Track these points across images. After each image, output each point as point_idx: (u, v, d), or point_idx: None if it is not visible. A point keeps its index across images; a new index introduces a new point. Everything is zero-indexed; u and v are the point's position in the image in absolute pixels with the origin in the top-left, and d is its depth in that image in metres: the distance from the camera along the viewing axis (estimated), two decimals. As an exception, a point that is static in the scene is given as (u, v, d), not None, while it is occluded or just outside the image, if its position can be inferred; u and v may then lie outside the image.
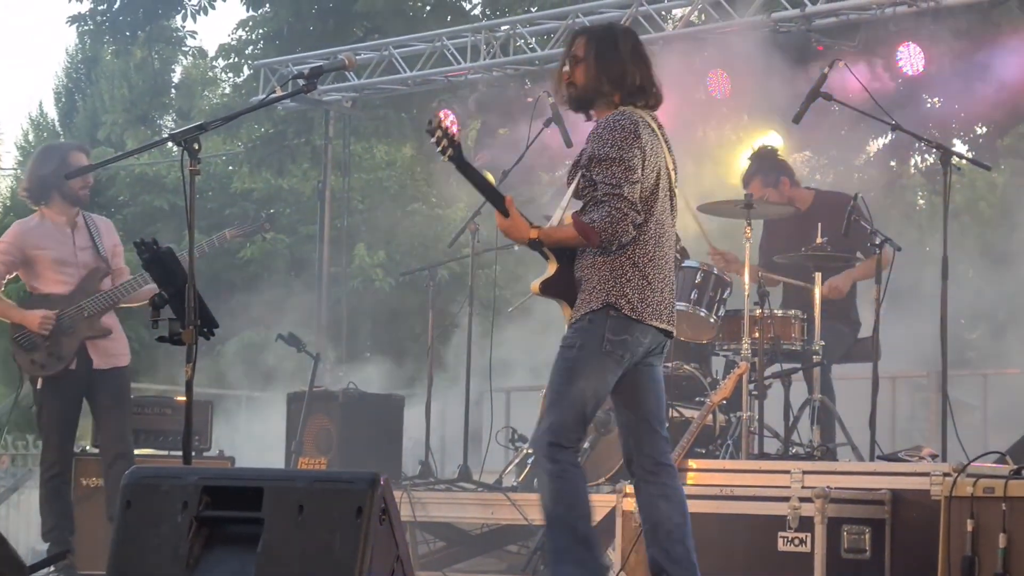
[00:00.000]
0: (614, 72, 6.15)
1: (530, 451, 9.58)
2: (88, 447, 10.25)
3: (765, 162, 9.78)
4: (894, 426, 11.21)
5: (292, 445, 10.66)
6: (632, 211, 5.95)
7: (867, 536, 6.76)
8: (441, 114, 5.56)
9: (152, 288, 8.59)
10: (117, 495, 4.76)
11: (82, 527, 8.96)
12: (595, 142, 6.04)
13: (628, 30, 6.50)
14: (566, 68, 6.20)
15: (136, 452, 9.51)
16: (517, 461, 9.78)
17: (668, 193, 6.18)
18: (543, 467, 5.99)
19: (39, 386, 8.62)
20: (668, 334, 6.15)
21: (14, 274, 8.82)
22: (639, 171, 5.99)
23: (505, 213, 6.04)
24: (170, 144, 5.82)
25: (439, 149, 5.97)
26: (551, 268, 6.16)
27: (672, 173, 6.23)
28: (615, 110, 6.12)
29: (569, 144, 10.71)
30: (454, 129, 5.89)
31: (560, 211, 6.15)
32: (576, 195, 6.13)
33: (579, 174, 6.11)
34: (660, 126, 6.20)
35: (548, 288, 6.18)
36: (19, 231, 8.86)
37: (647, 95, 6.21)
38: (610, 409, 8.53)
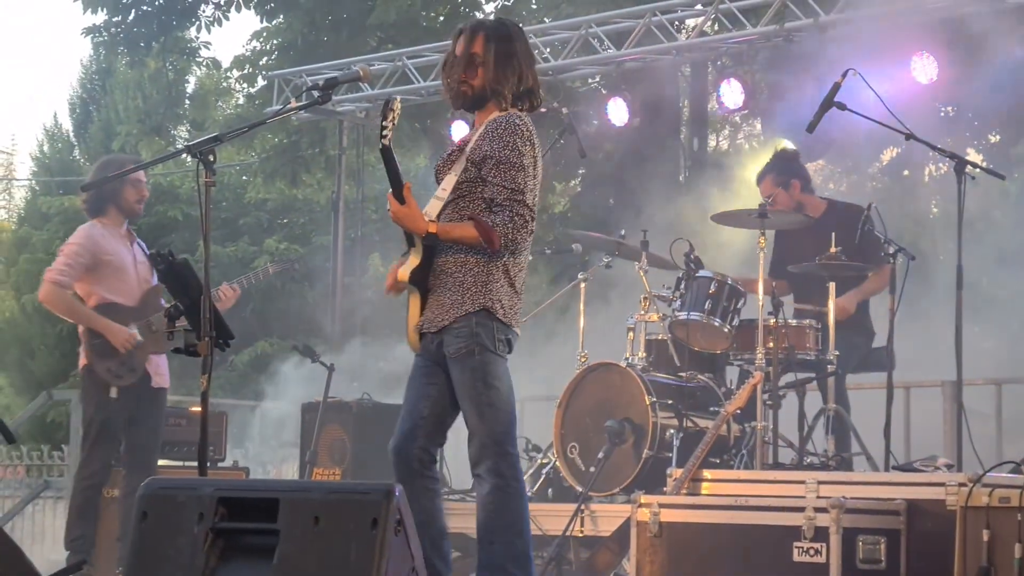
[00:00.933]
0: (513, 75, 6.13)
1: (544, 461, 9.59)
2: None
3: (781, 162, 9.81)
4: (908, 436, 11.17)
5: (306, 456, 10.67)
6: (531, 219, 6.01)
7: (882, 546, 6.74)
8: (399, 101, 5.58)
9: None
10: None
11: (97, 538, 8.98)
12: (494, 143, 5.99)
13: (519, 28, 6.41)
14: (461, 67, 6.12)
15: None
16: (532, 471, 9.77)
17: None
18: (488, 482, 5.94)
19: (113, 395, 8.66)
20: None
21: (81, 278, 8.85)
22: (534, 178, 6.04)
23: (401, 200, 5.94)
24: (185, 155, 5.83)
25: (386, 132, 5.88)
26: (416, 258, 6.08)
27: None
28: (504, 111, 6.10)
29: (583, 154, 10.73)
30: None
31: (438, 203, 6.08)
32: (455, 189, 6.07)
33: (463, 168, 6.05)
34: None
35: (414, 278, 6.11)
36: (89, 234, 8.86)
37: (534, 97, 6.23)
38: (623, 420, 8.60)
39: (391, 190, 5.96)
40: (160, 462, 10.05)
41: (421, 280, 6.11)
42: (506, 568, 5.94)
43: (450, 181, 6.08)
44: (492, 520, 5.97)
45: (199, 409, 5.76)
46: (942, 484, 6.76)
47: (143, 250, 8.86)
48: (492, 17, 16.49)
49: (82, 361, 8.78)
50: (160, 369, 8.81)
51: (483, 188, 6.03)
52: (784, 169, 9.62)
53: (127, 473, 8.86)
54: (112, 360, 8.62)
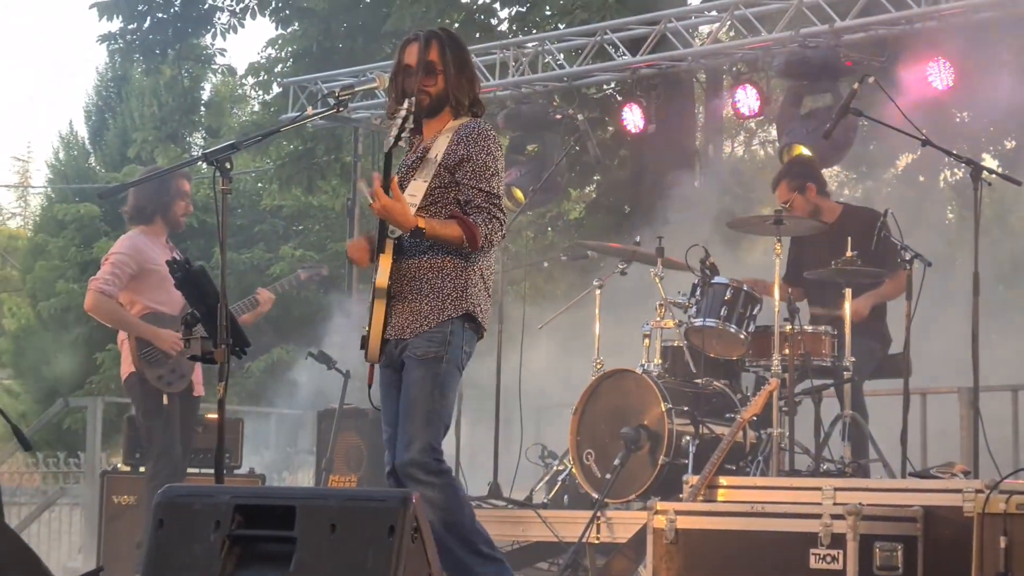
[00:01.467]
0: (468, 82, 6.23)
1: (560, 468, 9.59)
2: (120, 465, 10.28)
3: (796, 166, 9.82)
4: (925, 442, 11.15)
5: (323, 463, 10.68)
6: (506, 221, 6.07)
7: (899, 553, 6.72)
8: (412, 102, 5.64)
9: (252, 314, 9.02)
10: None
11: (114, 545, 9.00)
12: (471, 148, 6.04)
13: (461, 37, 6.49)
14: (420, 74, 6.13)
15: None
16: (548, 478, 9.77)
17: None
18: (431, 483, 5.91)
19: (166, 402, 8.76)
20: None
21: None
22: (502, 184, 6.12)
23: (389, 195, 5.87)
24: (201, 162, 5.84)
25: (399, 133, 5.87)
26: (387, 265, 6.01)
27: None
28: (464, 119, 6.16)
29: (599, 160, 10.74)
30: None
31: (411, 208, 6.00)
32: (428, 195, 6.04)
33: (434, 173, 6.04)
34: None
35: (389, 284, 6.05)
36: (134, 244, 8.93)
37: (482, 106, 6.33)
38: (639, 426, 8.59)
39: (375, 184, 5.89)
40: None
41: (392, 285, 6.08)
42: (474, 569, 5.98)
43: (419, 187, 6.07)
44: (453, 515, 5.96)
45: (215, 416, 5.77)
46: (959, 491, 6.75)
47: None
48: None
49: (128, 369, 8.82)
50: (200, 378, 8.96)
51: (456, 192, 6.07)
52: (799, 173, 9.62)
53: (157, 480, 8.81)
54: (163, 368, 8.73)
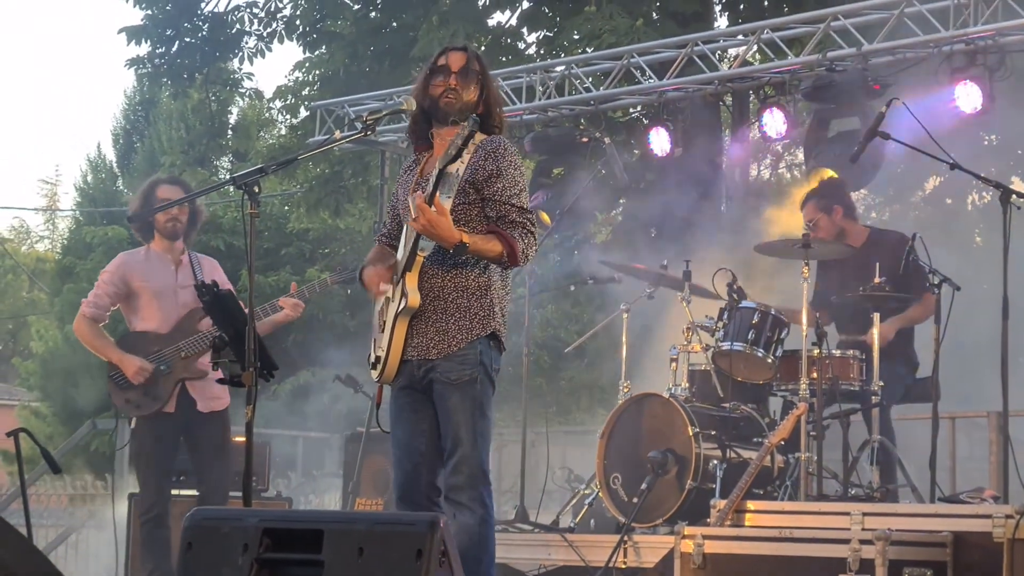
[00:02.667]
0: (493, 97, 6.25)
1: (587, 491, 9.57)
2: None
3: (826, 187, 9.81)
4: (954, 467, 11.11)
5: (349, 486, 10.67)
6: (539, 237, 6.11)
7: (928, 578, 6.70)
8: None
9: (269, 323, 8.67)
10: None
11: (141, 568, 8.98)
12: (500, 162, 6.03)
13: None
14: (459, 77, 6.12)
15: (195, 493, 9.52)
16: (574, 502, 9.76)
17: None
18: (474, 511, 5.90)
19: (132, 425, 8.56)
20: None
21: (117, 306, 8.71)
22: None
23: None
24: (229, 186, 5.84)
25: (460, 148, 5.81)
26: (415, 283, 5.95)
27: None
28: (482, 136, 6.09)
29: (625, 184, 10.72)
30: None
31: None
32: (452, 212, 5.93)
33: (458, 190, 5.96)
34: None
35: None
36: (123, 261, 8.79)
37: (505, 126, 6.36)
38: (667, 450, 8.57)
39: (417, 200, 5.83)
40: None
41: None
42: None
43: (443, 199, 5.94)
44: (478, 550, 5.92)
45: (243, 439, 5.77)
46: (989, 516, 6.72)
47: (196, 272, 8.62)
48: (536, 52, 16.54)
49: None
50: (209, 393, 8.54)
51: (484, 207, 6.03)
52: (827, 195, 9.61)
53: (199, 502, 8.67)
54: (132, 391, 8.46)
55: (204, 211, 9.05)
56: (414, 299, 5.94)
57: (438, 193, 5.83)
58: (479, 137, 6.07)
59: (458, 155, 5.82)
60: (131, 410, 8.53)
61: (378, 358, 6.07)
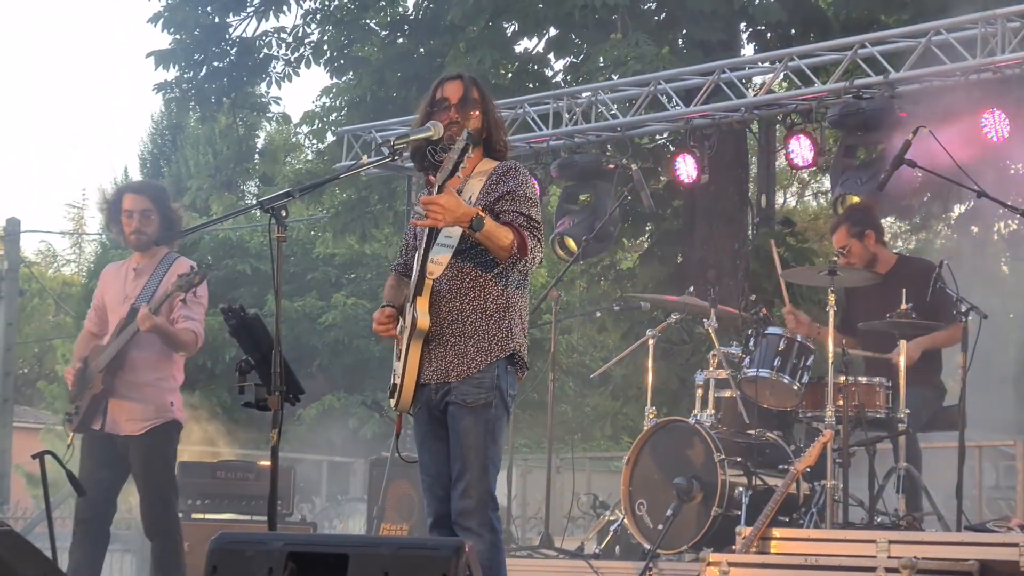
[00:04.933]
0: (494, 121, 6.24)
1: (613, 518, 9.55)
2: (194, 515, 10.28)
3: (857, 212, 9.80)
4: (981, 496, 11.07)
5: (374, 511, 10.67)
6: (542, 248, 6.05)
7: (955, 607, 6.67)
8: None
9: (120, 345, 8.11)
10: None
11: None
12: (511, 182, 6.04)
13: None
14: (460, 106, 6.12)
15: (219, 516, 9.51)
16: (599, 528, 9.74)
17: None
18: (482, 536, 5.86)
19: (69, 440, 8.22)
20: None
21: (107, 319, 8.42)
22: None
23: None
24: (256, 210, 5.84)
25: (456, 165, 5.84)
26: (425, 307, 5.94)
27: None
28: (495, 162, 6.15)
29: (652, 210, 10.72)
30: None
31: (446, 250, 6.00)
32: (465, 237, 5.95)
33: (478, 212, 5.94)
34: None
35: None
36: (102, 274, 8.69)
37: (508, 150, 6.35)
38: (692, 477, 8.56)
39: (422, 200, 5.87)
40: (227, 516, 10.07)
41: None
42: None
43: (454, 230, 5.98)
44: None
45: (268, 463, 5.75)
46: (1016, 545, 6.70)
47: (152, 282, 8.22)
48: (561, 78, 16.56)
49: None
50: (132, 413, 8.12)
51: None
52: (860, 220, 9.59)
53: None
54: (72, 404, 8.25)
55: (182, 214, 8.67)
56: (423, 322, 5.94)
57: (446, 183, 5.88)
58: (490, 164, 6.13)
59: (455, 170, 5.85)
60: (66, 426, 8.31)
61: (394, 385, 6.08)
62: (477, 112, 6.16)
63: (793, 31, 15.43)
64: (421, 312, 5.94)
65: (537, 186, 6.19)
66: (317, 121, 19.27)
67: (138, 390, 8.15)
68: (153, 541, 8.15)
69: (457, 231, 5.97)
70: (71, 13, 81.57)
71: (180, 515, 9.19)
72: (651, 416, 9.30)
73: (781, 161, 16.85)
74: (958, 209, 18.16)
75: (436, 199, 5.78)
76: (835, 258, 9.17)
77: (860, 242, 9.41)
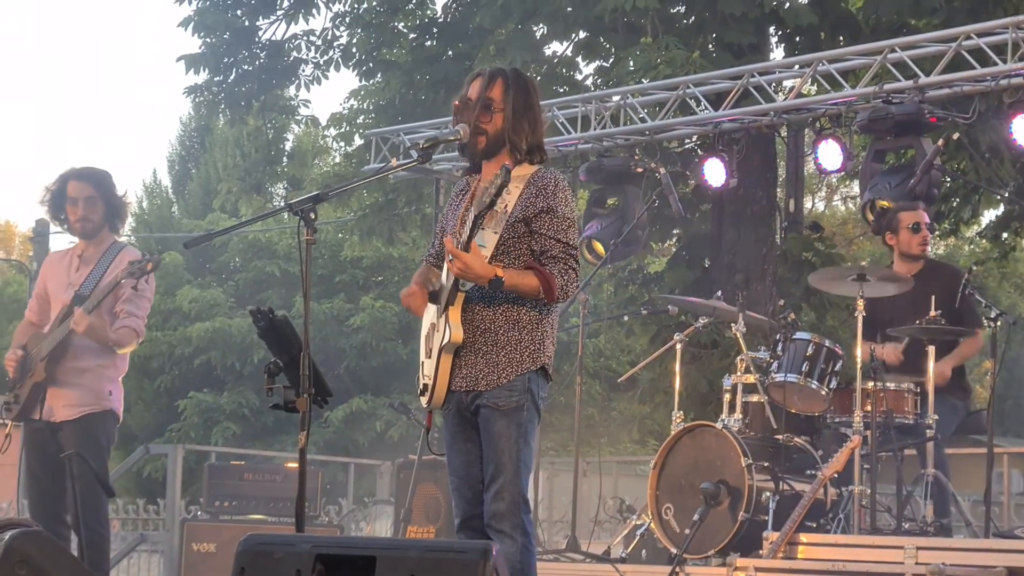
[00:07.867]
0: (529, 126, 6.07)
1: (639, 522, 9.55)
2: (200, 512, 10.31)
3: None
4: (1008, 502, 11.04)
5: (401, 514, 10.68)
6: (580, 273, 5.99)
7: (983, 614, 6.65)
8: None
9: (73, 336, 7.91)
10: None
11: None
12: (550, 199, 5.94)
13: (534, 81, 6.31)
14: (477, 110, 6.01)
15: (247, 517, 9.51)
16: (626, 532, 9.73)
17: None
18: (515, 539, 5.85)
19: (7, 432, 8.03)
20: None
21: (48, 307, 8.22)
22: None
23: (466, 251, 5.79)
24: (285, 212, 5.83)
25: (495, 197, 5.72)
26: (458, 318, 5.91)
27: None
28: (533, 167, 6.03)
29: (681, 214, 10.70)
30: None
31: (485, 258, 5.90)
32: (499, 246, 5.91)
33: (506, 225, 5.89)
34: None
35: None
36: (44, 262, 8.51)
37: (544, 152, 6.18)
38: (719, 482, 8.55)
39: (447, 244, 5.82)
40: (256, 517, 10.09)
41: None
42: None
43: (489, 239, 5.90)
44: None
45: (295, 465, 5.76)
46: (1044, 551, 6.67)
47: (96, 271, 8.04)
48: (588, 84, 16.55)
49: None
50: (68, 399, 7.93)
51: (530, 241, 5.96)
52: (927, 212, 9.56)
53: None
54: (10, 393, 8.02)
55: (128, 200, 8.46)
56: (457, 335, 5.91)
57: (473, 237, 5.81)
58: (529, 170, 6.03)
59: (492, 204, 5.75)
60: (3, 415, 8.06)
61: (425, 386, 6.06)
62: (493, 113, 6.01)
63: (823, 35, 15.40)
64: (455, 324, 5.91)
65: (570, 193, 6.10)
66: (345, 124, 19.29)
67: (78, 376, 7.96)
68: (79, 534, 7.65)
69: (492, 241, 5.91)
70: (102, 17, 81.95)
71: (206, 516, 9.23)
72: (678, 420, 9.29)
73: (810, 166, 16.80)
74: (988, 215, 18.14)
75: (463, 257, 5.74)
76: (864, 262, 9.14)
77: (928, 230, 9.39)
